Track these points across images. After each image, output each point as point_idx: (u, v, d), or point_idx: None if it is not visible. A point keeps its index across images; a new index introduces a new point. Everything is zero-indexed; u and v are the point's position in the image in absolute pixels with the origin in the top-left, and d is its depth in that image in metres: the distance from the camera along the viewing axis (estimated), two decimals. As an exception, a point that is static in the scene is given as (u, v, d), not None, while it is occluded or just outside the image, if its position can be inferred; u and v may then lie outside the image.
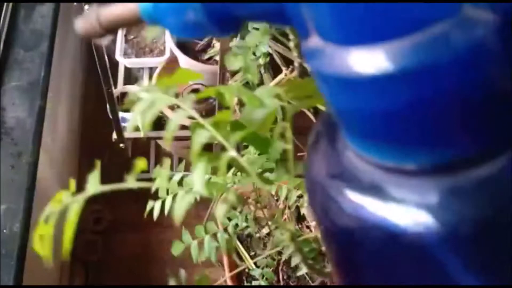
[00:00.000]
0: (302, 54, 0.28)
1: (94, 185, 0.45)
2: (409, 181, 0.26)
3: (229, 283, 0.90)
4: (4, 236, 0.79)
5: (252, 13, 0.33)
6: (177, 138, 1.26)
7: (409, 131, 0.25)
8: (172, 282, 0.64)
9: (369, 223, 0.27)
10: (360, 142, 0.28)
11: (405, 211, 0.26)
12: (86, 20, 0.39)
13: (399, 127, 0.25)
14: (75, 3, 0.95)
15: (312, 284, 0.85)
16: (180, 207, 0.42)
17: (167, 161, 0.65)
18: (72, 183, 0.44)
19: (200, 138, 0.41)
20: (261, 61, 1.01)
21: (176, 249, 0.78)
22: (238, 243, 0.85)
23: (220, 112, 0.43)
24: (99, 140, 1.52)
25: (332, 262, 0.35)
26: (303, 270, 0.77)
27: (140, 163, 0.43)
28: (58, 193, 0.45)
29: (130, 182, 0.44)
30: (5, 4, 1.05)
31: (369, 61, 0.24)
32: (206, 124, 0.42)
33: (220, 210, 0.44)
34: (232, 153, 0.42)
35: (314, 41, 0.27)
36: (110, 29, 0.39)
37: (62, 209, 0.44)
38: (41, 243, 0.43)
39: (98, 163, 0.45)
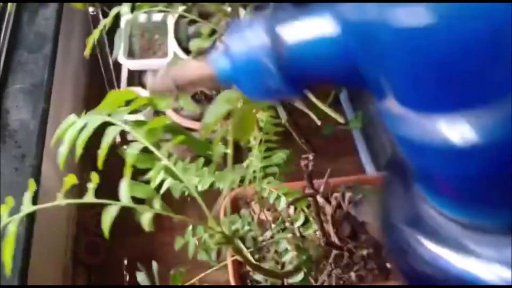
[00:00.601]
0: (378, 113, 0.30)
1: (27, 205, 0.47)
2: (486, 238, 0.28)
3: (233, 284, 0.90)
4: (7, 238, 0.79)
5: (327, 78, 0.34)
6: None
7: (485, 193, 0.27)
8: (140, 275, 0.65)
9: (450, 274, 0.28)
10: (436, 198, 0.30)
11: (487, 266, 0.27)
12: (161, 80, 0.40)
13: (475, 189, 0.27)
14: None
15: (314, 284, 0.85)
16: (105, 222, 0.43)
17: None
18: (10, 200, 0.45)
19: (132, 150, 0.42)
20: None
21: (178, 244, 0.83)
22: (243, 246, 0.85)
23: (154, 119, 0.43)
24: (102, 142, 1.51)
25: None
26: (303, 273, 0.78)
27: (70, 179, 0.44)
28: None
29: (59, 200, 0.45)
30: (9, 6, 1.05)
31: (453, 131, 0.25)
32: (137, 135, 0.42)
33: (145, 219, 0.45)
34: (164, 161, 0.43)
35: (392, 106, 0.28)
36: (185, 89, 0.40)
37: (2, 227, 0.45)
38: None
39: (33, 184, 0.46)
